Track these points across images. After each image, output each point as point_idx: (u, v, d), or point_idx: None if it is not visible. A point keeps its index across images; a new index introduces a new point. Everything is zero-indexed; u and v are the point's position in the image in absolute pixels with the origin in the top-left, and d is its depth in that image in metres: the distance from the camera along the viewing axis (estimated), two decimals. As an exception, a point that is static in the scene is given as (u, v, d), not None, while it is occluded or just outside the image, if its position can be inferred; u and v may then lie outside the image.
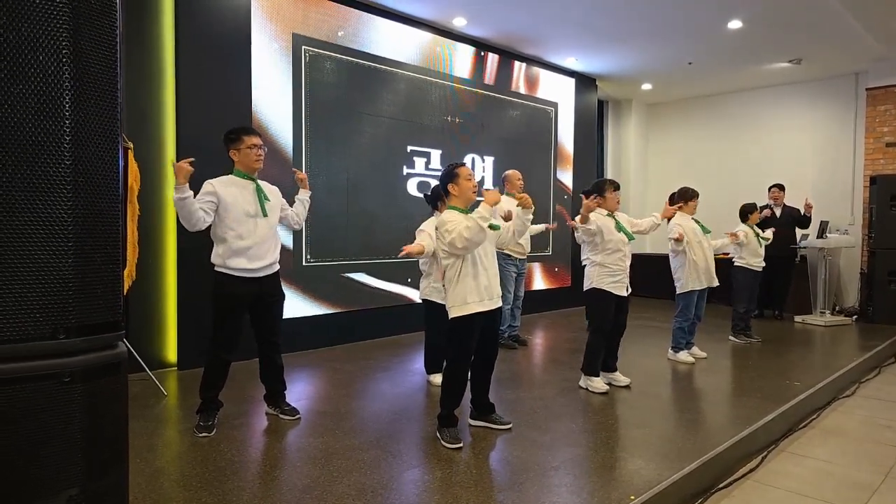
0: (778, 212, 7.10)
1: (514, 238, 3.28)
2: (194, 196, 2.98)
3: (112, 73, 1.24)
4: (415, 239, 3.95)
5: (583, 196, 3.91)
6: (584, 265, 4.08)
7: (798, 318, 7.02)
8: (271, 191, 3.31)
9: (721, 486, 2.92)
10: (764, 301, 6.98)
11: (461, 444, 2.94)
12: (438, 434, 3.04)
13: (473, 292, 2.96)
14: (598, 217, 3.95)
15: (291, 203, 3.52)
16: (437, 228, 3.05)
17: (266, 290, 3.22)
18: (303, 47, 5.06)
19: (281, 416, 3.36)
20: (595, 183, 4.18)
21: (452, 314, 2.98)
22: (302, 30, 5.05)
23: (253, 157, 3.15)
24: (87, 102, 1.22)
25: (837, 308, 7.52)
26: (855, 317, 7.21)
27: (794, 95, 8.28)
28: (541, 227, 5.56)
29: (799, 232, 7.15)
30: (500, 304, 3.11)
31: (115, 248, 1.26)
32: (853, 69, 7.58)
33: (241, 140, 3.14)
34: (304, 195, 3.56)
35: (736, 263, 5.76)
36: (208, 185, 3.08)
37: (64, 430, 1.18)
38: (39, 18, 1.17)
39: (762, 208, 5.95)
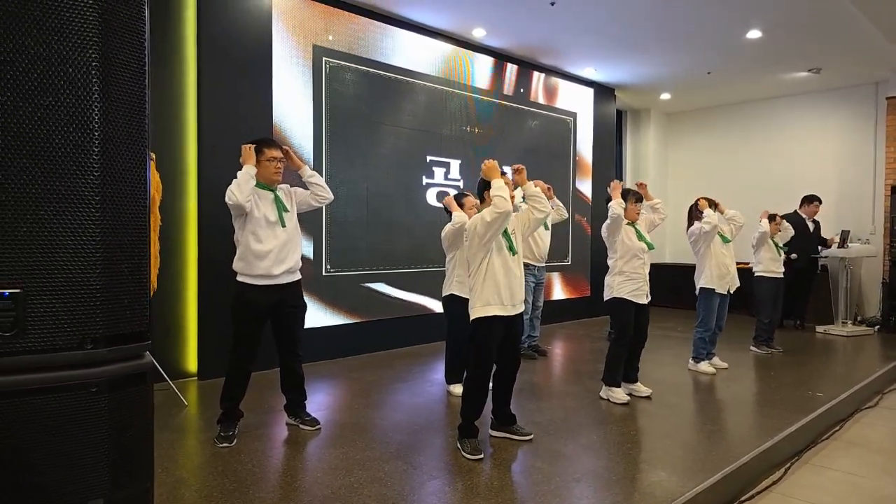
0: (811, 226, 7.02)
1: (536, 214, 3.15)
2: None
3: (140, 85, 1.27)
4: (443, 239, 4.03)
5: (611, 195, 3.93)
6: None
7: (820, 329, 6.92)
8: (287, 194, 3.33)
9: (744, 498, 2.89)
10: (785, 310, 6.88)
11: (482, 455, 2.94)
12: (459, 445, 3.03)
13: (495, 295, 2.97)
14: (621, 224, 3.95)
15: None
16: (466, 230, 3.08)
17: (287, 299, 3.25)
18: (323, 59, 5.13)
19: (301, 426, 3.37)
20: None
21: (474, 315, 2.99)
22: (322, 42, 5.12)
23: (272, 169, 3.19)
24: (116, 115, 1.24)
25: (859, 318, 7.39)
26: (877, 327, 7.09)
27: (813, 105, 8.20)
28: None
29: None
30: (521, 310, 3.11)
31: (142, 259, 1.28)
32: (873, 78, 7.50)
33: (262, 152, 3.19)
34: (306, 174, 3.40)
35: (756, 273, 5.69)
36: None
37: (90, 440, 1.19)
38: (69, 31, 1.19)
39: (777, 215, 5.85)
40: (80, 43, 1.19)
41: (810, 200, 7.03)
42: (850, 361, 5.50)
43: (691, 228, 4.85)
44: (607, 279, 4.04)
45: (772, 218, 5.76)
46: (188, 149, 4.49)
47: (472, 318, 3.02)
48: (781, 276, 5.69)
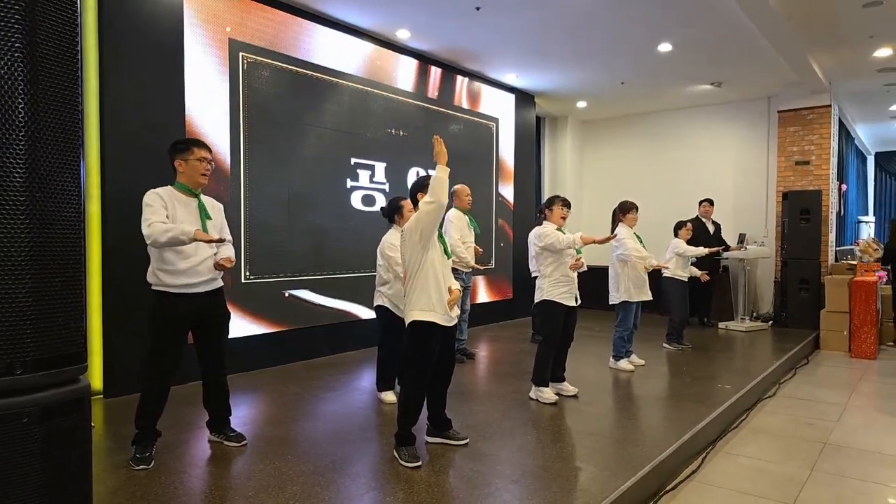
0: (709, 225, 7.53)
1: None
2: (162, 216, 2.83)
3: (73, 79, 1.11)
4: (378, 254, 3.96)
5: (540, 213, 4.02)
6: (535, 276, 4.15)
7: (721, 325, 7.44)
8: (214, 207, 3.15)
9: (669, 488, 3.03)
10: (691, 309, 7.35)
11: (420, 463, 2.90)
12: (396, 453, 2.97)
13: (437, 303, 2.94)
14: (550, 230, 4.05)
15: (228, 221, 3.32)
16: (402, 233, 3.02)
17: (210, 308, 3.05)
18: (240, 54, 4.89)
19: (226, 442, 3.18)
20: (548, 198, 4.30)
21: (412, 318, 2.94)
22: (239, 35, 4.87)
23: (200, 170, 2.99)
24: (45, 110, 1.09)
25: (755, 314, 8.02)
26: (770, 322, 7.74)
27: (715, 116, 8.84)
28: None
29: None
30: (456, 321, 3.10)
31: (77, 272, 1.13)
32: (767, 93, 8.20)
33: (191, 151, 2.98)
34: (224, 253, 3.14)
35: (665, 274, 6.02)
36: (157, 198, 2.88)
37: (21, 477, 1.04)
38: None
39: (686, 222, 6.26)
40: (2, 30, 1.03)
41: (702, 202, 7.63)
42: (750, 355, 5.95)
43: (624, 252, 5.00)
44: (538, 282, 4.13)
45: (682, 225, 6.15)
46: (89, 147, 4.11)
47: (409, 321, 2.97)
48: (687, 279, 6.07)
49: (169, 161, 3.01)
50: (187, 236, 2.78)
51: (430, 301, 2.93)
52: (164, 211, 2.86)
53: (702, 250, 6.11)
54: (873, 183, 13.05)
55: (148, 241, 2.82)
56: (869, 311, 6.50)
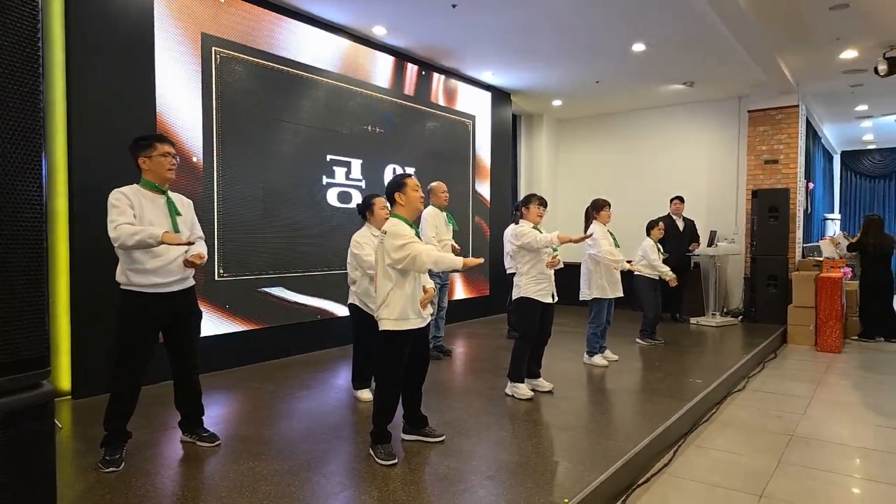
0: (679, 222, 7.65)
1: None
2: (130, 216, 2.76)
3: (33, 70, 1.07)
4: (349, 252, 3.93)
5: (516, 211, 4.04)
6: (511, 273, 4.18)
7: (693, 320, 7.58)
8: (183, 204, 3.09)
9: (641, 481, 3.08)
10: (664, 305, 7.47)
11: (396, 461, 2.90)
12: (372, 451, 2.97)
13: (409, 308, 2.94)
14: (527, 229, 4.08)
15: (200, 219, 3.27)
16: (384, 234, 2.99)
17: (181, 308, 3.00)
18: (213, 48, 4.81)
19: (199, 443, 3.13)
20: (524, 196, 4.32)
21: (386, 327, 2.93)
22: (212, 30, 4.79)
23: (166, 165, 2.93)
24: (2, 106, 1.05)
25: (725, 310, 8.19)
26: (740, 317, 7.91)
27: (687, 115, 8.99)
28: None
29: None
30: (430, 320, 3.12)
31: (39, 273, 1.09)
32: (737, 93, 8.36)
33: (153, 147, 2.91)
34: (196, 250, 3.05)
35: (636, 273, 6.07)
36: (122, 197, 2.81)
37: None
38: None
39: (660, 220, 6.36)
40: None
41: (672, 200, 7.74)
42: (720, 350, 6.08)
43: (597, 252, 5.03)
44: (516, 279, 4.16)
45: (654, 224, 6.23)
46: (56, 143, 4.00)
47: (384, 328, 2.95)
48: (657, 277, 6.15)
49: (132, 159, 2.93)
50: (155, 239, 2.71)
51: (404, 310, 2.92)
52: (130, 210, 2.79)
53: (668, 273, 6.02)
54: (839, 181, 13.44)
55: (115, 244, 2.76)
56: (834, 306, 6.69)
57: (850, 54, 6.55)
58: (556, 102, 8.95)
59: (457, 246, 5.34)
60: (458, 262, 2.94)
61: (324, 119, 5.74)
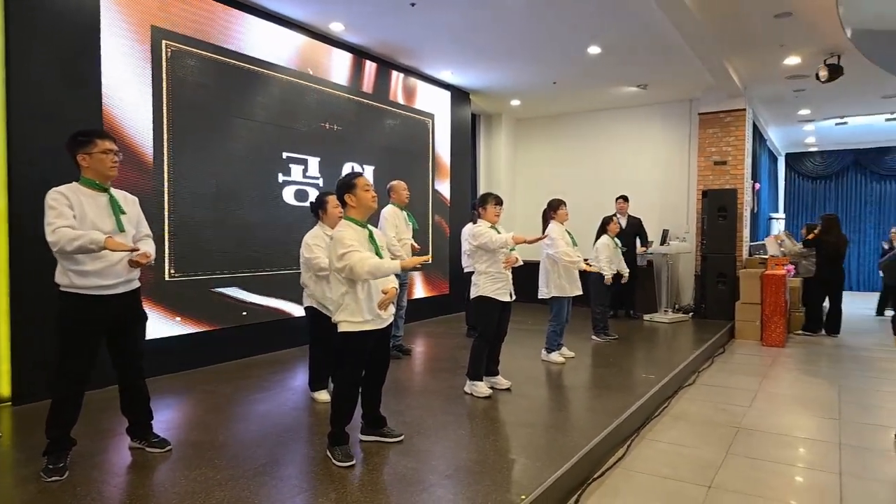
0: (623, 221, 7.82)
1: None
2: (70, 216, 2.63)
3: None
4: (300, 253, 3.84)
5: (474, 211, 4.04)
6: (469, 272, 4.19)
7: (646, 317, 7.79)
8: (127, 201, 2.96)
9: (597, 475, 3.15)
10: (618, 302, 7.66)
11: (353, 462, 2.87)
12: (329, 453, 2.93)
13: (367, 310, 2.89)
14: (485, 229, 4.10)
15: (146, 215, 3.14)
16: (331, 238, 2.93)
17: (125, 310, 2.89)
18: (163, 42, 4.65)
19: (148, 449, 3.03)
20: (480, 196, 4.34)
21: (344, 329, 2.89)
22: (162, 22, 4.64)
23: (108, 163, 2.80)
24: None
25: (677, 306, 8.44)
26: (691, 314, 8.17)
27: (641, 117, 9.22)
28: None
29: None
30: (391, 320, 3.08)
31: None
32: (689, 96, 8.63)
33: (93, 143, 2.77)
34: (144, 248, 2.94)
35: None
36: (60, 198, 2.67)
37: None
38: None
39: (612, 217, 6.49)
40: None
41: (617, 199, 7.88)
42: (672, 345, 6.26)
43: (554, 252, 5.08)
44: (474, 278, 4.18)
45: (609, 220, 6.37)
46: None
47: (342, 330, 2.90)
48: (611, 274, 6.27)
49: (70, 157, 2.78)
50: (98, 245, 2.59)
51: (361, 310, 2.87)
52: (69, 211, 2.66)
53: (607, 276, 6.10)
54: (784, 182, 14.03)
55: (54, 249, 2.62)
56: (778, 302, 6.99)
57: (793, 60, 6.84)
58: (515, 102, 9.04)
59: (416, 245, 5.33)
60: (396, 265, 2.86)
61: (279, 115, 5.64)
